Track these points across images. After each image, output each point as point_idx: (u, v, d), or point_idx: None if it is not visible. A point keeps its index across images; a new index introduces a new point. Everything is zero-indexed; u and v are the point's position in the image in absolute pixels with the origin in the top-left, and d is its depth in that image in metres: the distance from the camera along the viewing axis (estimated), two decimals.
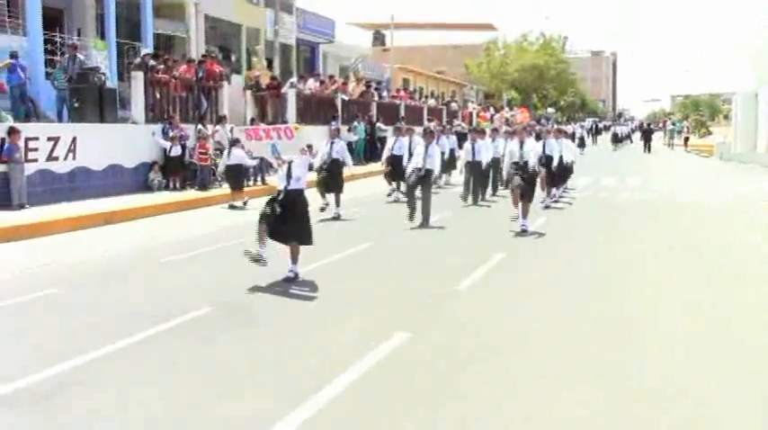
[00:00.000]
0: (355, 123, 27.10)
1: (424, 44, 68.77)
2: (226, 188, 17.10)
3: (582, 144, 40.71)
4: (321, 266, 9.23)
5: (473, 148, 16.10)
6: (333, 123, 26.10)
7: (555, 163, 15.33)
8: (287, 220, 8.25)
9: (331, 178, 13.97)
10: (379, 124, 28.88)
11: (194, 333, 6.50)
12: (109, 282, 8.63)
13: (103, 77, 17.28)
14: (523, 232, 11.76)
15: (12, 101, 15.77)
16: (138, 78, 17.55)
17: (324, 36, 36.48)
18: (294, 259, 8.41)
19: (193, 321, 6.82)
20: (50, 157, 14.51)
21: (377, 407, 4.88)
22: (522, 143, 12.46)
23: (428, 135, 13.55)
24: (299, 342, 6.29)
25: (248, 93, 23.91)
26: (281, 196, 8.35)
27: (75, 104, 16.10)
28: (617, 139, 47.42)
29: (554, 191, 16.15)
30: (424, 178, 12.85)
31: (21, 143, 13.60)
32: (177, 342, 6.25)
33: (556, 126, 24.22)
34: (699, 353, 6.04)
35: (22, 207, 13.26)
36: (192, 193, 16.79)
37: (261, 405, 4.88)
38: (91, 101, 16.11)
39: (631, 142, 54.97)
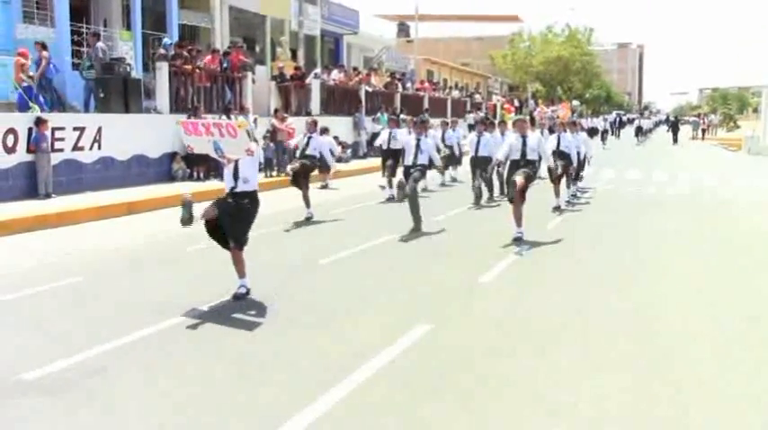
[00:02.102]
0: (379, 114, 27.11)
1: (449, 36, 68.60)
2: None
3: (604, 138, 40.38)
4: (339, 259, 9.25)
5: (478, 142, 14.84)
6: (356, 115, 26.28)
7: (574, 161, 14.24)
8: (230, 223, 7.32)
9: (301, 176, 12.53)
10: (402, 116, 28.83)
11: (221, 320, 6.54)
12: (133, 270, 8.69)
13: (128, 68, 17.39)
14: (517, 240, 10.32)
15: (50, 93, 15.89)
16: (162, 69, 17.64)
17: (348, 27, 36.41)
18: (240, 272, 7.39)
19: (221, 308, 6.86)
20: (76, 147, 14.65)
21: (397, 399, 4.88)
22: (524, 138, 10.66)
23: (419, 126, 12.11)
24: (320, 333, 6.28)
25: (272, 83, 23.96)
26: (228, 199, 7.43)
27: (101, 95, 16.22)
28: (641, 133, 46.91)
29: (566, 191, 14.82)
30: (413, 176, 11.36)
31: (47, 133, 13.74)
32: (198, 332, 6.28)
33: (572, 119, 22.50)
34: (724, 349, 5.97)
35: (48, 196, 13.41)
36: (215, 184, 16.82)
37: (283, 394, 4.89)
38: (116, 91, 16.23)
39: (651, 134, 54.99)
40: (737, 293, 7.86)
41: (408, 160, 11.64)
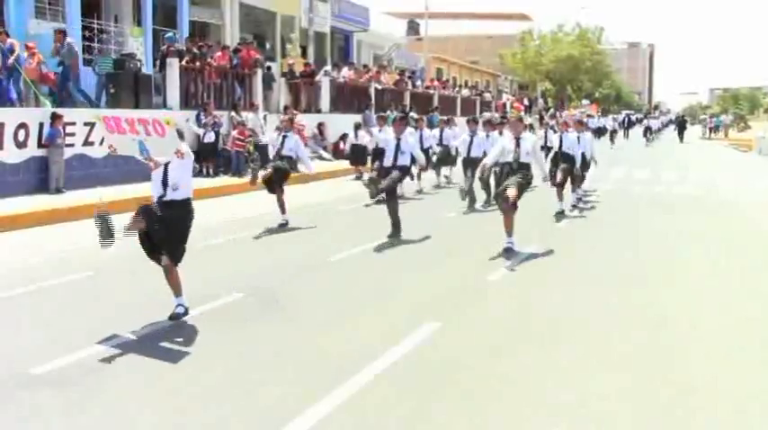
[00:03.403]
0: (388, 112, 27.16)
1: (459, 34, 68.55)
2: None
3: (613, 138, 40.18)
4: (340, 259, 9.25)
5: (471, 142, 14.00)
6: (366, 112, 26.30)
7: (577, 162, 13.21)
8: (163, 235, 6.49)
9: (275, 179, 11.55)
10: (411, 113, 28.85)
11: (224, 319, 6.60)
12: (142, 266, 8.67)
13: (139, 64, 17.49)
14: (507, 251, 9.53)
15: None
16: (173, 65, 17.73)
17: (358, 24, 36.40)
18: (176, 290, 6.62)
19: (223, 308, 6.91)
20: (87, 142, 14.76)
21: (398, 400, 4.93)
22: (518, 140, 9.69)
23: (397, 123, 10.92)
24: (321, 334, 6.30)
25: (282, 80, 24.04)
26: (155, 207, 6.52)
27: (112, 90, 16.32)
28: (649, 133, 46.70)
29: (572, 195, 13.93)
30: (390, 176, 10.46)
31: (61, 128, 13.84)
32: (205, 328, 6.33)
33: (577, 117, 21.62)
34: (725, 349, 6.00)
35: (59, 191, 13.52)
36: (225, 179, 16.93)
37: (285, 395, 4.93)
38: (127, 87, 16.32)
39: (660, 134, 55.10)
40: (739, 294, 7.87)
41: (388, 161, 10.69)
